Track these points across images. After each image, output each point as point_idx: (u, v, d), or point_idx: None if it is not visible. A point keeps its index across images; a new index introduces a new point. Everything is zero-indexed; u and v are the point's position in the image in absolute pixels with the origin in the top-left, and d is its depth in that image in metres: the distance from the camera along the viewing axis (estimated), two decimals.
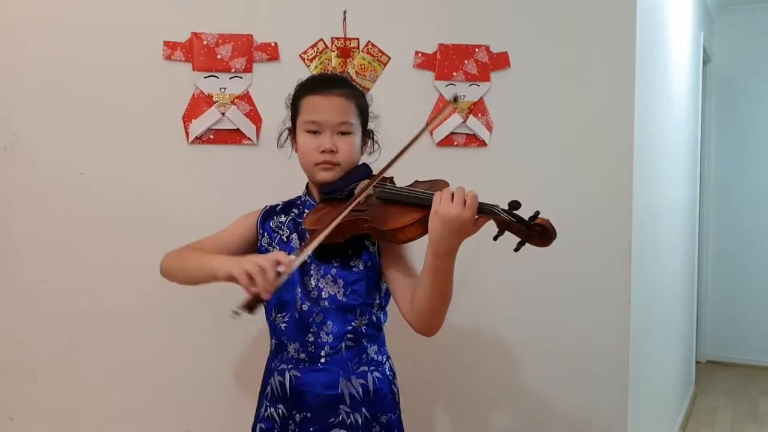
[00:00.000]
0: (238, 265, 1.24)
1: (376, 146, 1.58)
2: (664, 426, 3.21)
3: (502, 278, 2.08)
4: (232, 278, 1.26)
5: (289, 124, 1.55)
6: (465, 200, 1.23)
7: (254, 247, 1.53)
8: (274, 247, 1.50)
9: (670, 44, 2.96)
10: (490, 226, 1.26)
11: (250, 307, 1.23)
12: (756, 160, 4.89)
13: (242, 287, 1.24)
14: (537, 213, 1.21)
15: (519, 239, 1.22)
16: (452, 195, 1.23)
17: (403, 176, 1.47)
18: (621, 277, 2.13)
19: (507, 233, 1.24)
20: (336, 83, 1.49)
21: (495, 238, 1.24)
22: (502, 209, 1.23)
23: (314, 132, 1.45)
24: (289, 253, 1.46)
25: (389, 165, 1.40)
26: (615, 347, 2.13)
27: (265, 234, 1.52)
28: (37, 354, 1.92)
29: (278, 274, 1.23)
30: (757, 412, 4.14)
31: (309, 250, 1.32)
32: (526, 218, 1.21)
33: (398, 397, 1.52)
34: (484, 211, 1.24)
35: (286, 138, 1.57)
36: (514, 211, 1.22)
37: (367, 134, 1.54)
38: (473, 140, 2.06)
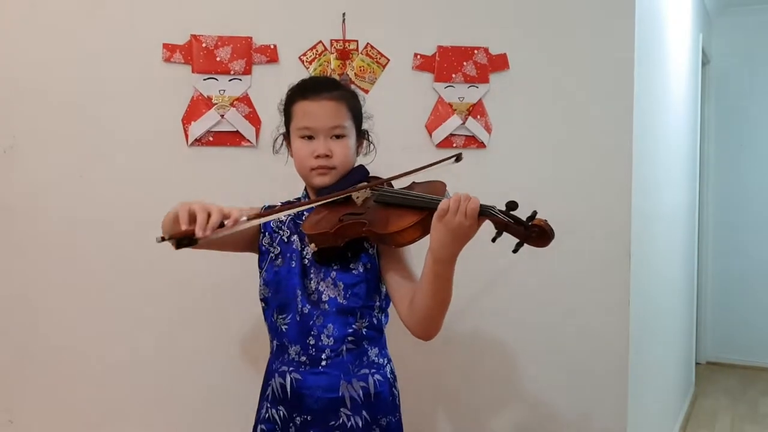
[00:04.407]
0: (185, 204, 1.20)
1: (371, 146, 1.58)
2: (664, 427, 3.21)
3: (502, 280, 2.08)
4: (177, 216, 1.20)
5: (283, 129, 1.55)
6: (466, 210, 1.22)
7: (255, 243, 1.52)
8: (275, 247, 1.50)
9: (669, 45, 2.96)
10: (488, 230, 1.26)
11: (179, 241, 1.16)
12: (755, 160, 4.89)
13: (181, 223, 1.17)
14: (534, 213, 1.21)
15: (517, 240, 1.22)
16: (456, 203, 1.23)
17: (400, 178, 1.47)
18: (621, 279, 2.13)
19: (505, 234, 1.24)
20: (326, 87, 1.48)
21: (493, 240, 1.24)
22: (500, 210, 1.23)
23: (308, 137, 1.45)
24: (290, 255, 1.47)
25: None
26: (615, 348, 2.13)
27: (266, 233, 1.51)
28: (37, 354, 1.93)
29: (222, 225, 1.18)
30: (757, 413, 4.13)
31: (268, 218, 1.31)
32: (524, 219, 1.21)
33: (399, 400, 1.52)
34: (482, 213, 1.24)
35: (282, 143, 1.57)
36: (512, 212, 1.22)
37: (362, 135, 1.54)
38: (472, 142, 2.06)
